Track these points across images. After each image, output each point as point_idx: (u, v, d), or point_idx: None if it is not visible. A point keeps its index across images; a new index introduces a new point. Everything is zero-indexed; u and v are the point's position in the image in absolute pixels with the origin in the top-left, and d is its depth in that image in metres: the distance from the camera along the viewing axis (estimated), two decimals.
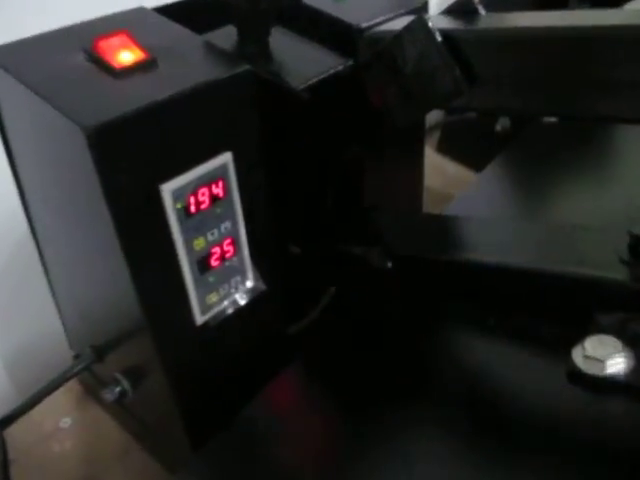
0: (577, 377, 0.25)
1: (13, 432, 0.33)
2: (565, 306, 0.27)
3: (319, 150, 0.28)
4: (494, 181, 0.39)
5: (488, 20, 0.25)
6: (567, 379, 0.25)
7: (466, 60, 0.24)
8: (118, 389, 0.33)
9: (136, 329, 0.28)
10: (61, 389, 0.39)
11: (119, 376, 0.33)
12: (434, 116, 0.61)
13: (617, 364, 0.25)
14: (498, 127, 0.47)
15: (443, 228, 0.32)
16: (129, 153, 0.22)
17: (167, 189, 0.24)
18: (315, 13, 0.29)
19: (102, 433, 0.38)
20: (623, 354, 0.25)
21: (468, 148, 0.55)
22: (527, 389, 0.27)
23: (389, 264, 0.28)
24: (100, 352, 0.34)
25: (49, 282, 0.36)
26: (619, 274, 0.25)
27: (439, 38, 0.24)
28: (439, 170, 0.55)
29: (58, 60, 0.24)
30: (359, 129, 0.27)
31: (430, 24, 0.24)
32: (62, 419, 0.40)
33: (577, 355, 0.25)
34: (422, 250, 0.30)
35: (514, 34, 0.24)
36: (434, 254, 0.29)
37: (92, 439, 0.38)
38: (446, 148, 0.60)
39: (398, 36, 0.25)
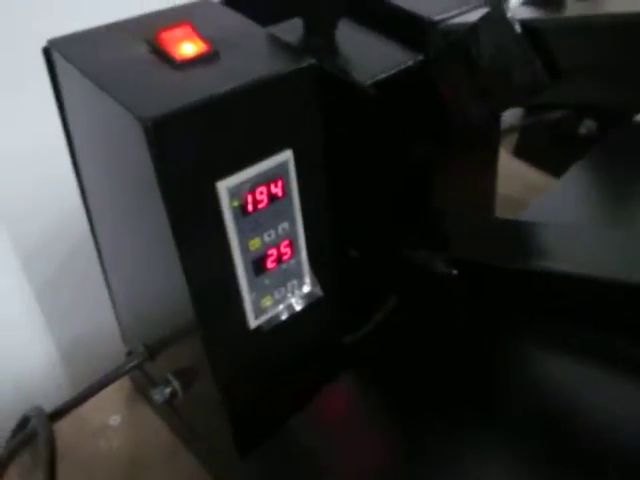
0: None
1: (62, 427, 0.33)
2: None
3: (385, 150, 0.27)
4: (574, 187, 0.36)
5: (574, 8, 0.23)
6: None
7: (549, 52, 0.22)
8: (168, 390, 0.32)
9: (188, 329, 0.27)
10: (112, 386, 0.40)
11: (170, 377, 0.32)
12: (511, 117, 0.58)
13: None
14: (582, 129, 0.44)
15: (515, 234, 0.29)
16: (187, 148, 0.21)
17: (223, 186, 0.23)
18: (384, 5, 0.27)
19: (150, 433, 0.38)
20: None
21: (548, 152, 0.52)
22: (605, 410, 0.24)
23: (454, 271, 0.26)
24: (152, 351, 0.34)
25: (106, 279, 0.36)
26: None
27: (518, 29, 0.22)
28: (516, 176, 0.52)
29: (121, 51, 0.24)
30: (428, 128, 0.26)
31: (509, 14, 0.22)
32: (111, 416, 0.40)
33: None
34: (491, 256, 0.28)
35: (603, 21, 0.22)
36: (504, 261, 0.27)
37: (140, 439, 0.38)
38: (524, 152, 0.57)
39: (474, 27, 0.23)
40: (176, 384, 0.32)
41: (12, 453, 0.36)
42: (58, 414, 0.35)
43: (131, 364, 0.35)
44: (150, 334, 0.34)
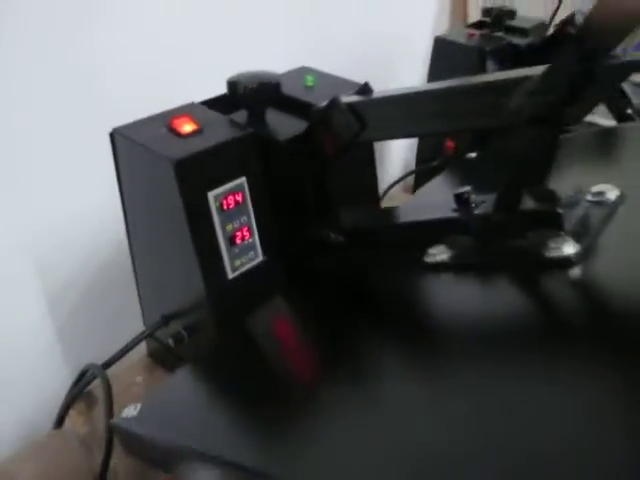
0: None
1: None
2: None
3: (297, 175, 0.49)
4: (435, 191, 0.57)
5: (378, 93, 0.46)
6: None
7: (361, 115, 0.44)
8: (179, 337, 0.52)
9: (194, 288, 0.47)
10: (135, 358, 0.59)
11: (181, 330, 0.52)
12: (408, 167, 0.83)
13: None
14: None
15: (381, 212, 0.51)
16: (191, 174, 0.43)
17: (211, 195, 0.44)
18: (290, 98, 0.51)
19: None
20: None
21: None
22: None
23: (341, 238, 0.47)
24: (167, 318, 0.54)
25: (136, 279, 0.56)
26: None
27: (344, 104, 0.44)
28: None
29: (152, 131, 0.46)
30: (316, 163, 0.48)
31: (341, 99, 0.45)
32: (136, 377, 0.59)
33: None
34: (363, 224, 0.50)
35: (390, 98, 0.45)
36: (370, 224, 0.49)
37: None
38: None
39: (326, 107, 0.46)
40: (184, 333, 0.52)
41: (74, 397, 0.54)
42: (105, 365, 0.53)
43: (154, 327, 0.54)
44: (166, 306, 0.53)
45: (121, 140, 0.46)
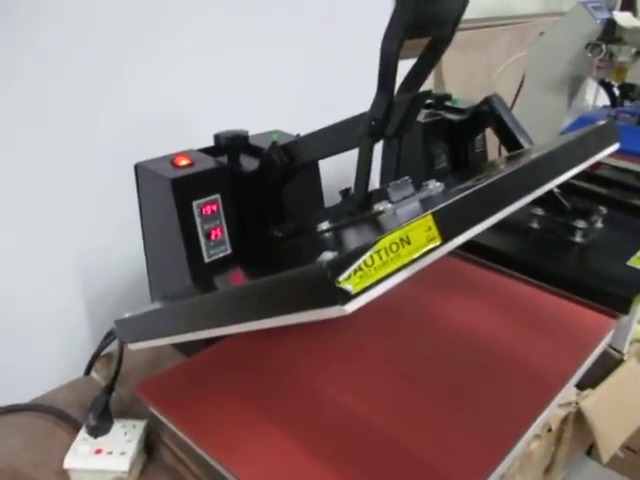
0: None
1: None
2: None
3: (259, 196, 0.73)
4: None
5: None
6: None
7: (289, 152, 0.68)
8: None
9: (182, 269, 0.70)
10: None
11: None
12: None
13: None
14: None
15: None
16: (183, 189, 0.67)
17: (195, 204, 0.68)
18: (256, 146, 0.76)
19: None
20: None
21: None
22: None
23: (280, 234, 0.70)
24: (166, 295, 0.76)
25: (147, 268, 0.79)
26: None
27: (279, 147, 0.69)
28: None
29: (161, 163, 0.71)
30: (269, 186, 0.72)
31: (277, 144, 0.69)
32: None
33: None
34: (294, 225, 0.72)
35: (305, 136, 0.69)
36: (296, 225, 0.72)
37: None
38: None
39: (269, 148, 0.70)
40: None
41: (100, 349, 0.77)
42: None
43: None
44: (164, 286, 0.76)
45: (141, 170, 0.72)
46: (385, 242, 0.36)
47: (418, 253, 0.38)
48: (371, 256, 0.34)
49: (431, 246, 0.39)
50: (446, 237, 0.40)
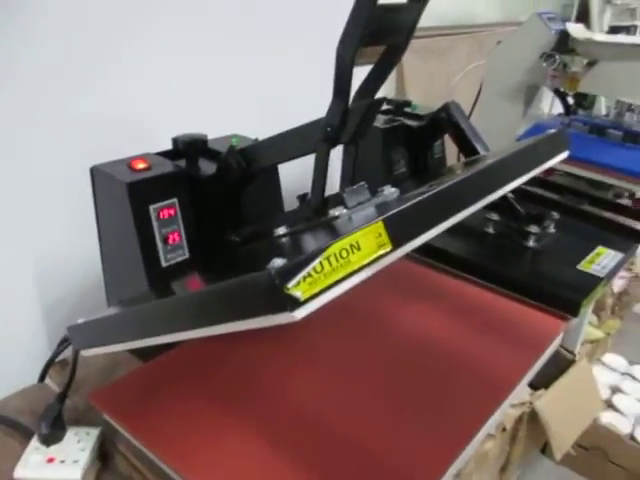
0: None
1: None
2: None
3: (217, 200, 0.72)
4: None
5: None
6: None
7: (247, 155, 0.68)
8: None
9: (138, 273, 0.69)
10: None
11: None
12: None
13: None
14: None
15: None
16: (139, 192, 0.66)
17: (152, 208, 0.67)
18: (214, 150, 0.75)
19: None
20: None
21: None
22: None
23: (237, 239, 0.70)
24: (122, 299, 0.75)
25: (104, 273, 0.78)
26: None
27: (236, 150, 0.68)
28: None
29: (118, 167, 0.70)
30: (234, 191, 0.72)
31: (235, 148, 0.69)
32: None
33: None
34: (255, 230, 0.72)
35: (262, 141, 0.69)
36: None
37: None
38: None
39: (226, 152, 0.70)
40: None
41: (54, 356, 0.75)
42: None
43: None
44: (120, 290, 0.75)
45: (98, 173, 0.70)
46: (335, 248, 0.36)
47: (368, 259, 0.38)
48: (320, 262, 0.35)
49: (381, 252, 0.39)
50: (397, 243, 0.41)
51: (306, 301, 0.34)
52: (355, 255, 0.37)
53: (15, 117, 0.77)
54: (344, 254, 0.37)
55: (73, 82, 0.81)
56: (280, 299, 0.33)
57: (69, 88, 0.81)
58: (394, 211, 0.41)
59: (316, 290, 0.34)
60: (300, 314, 0.34)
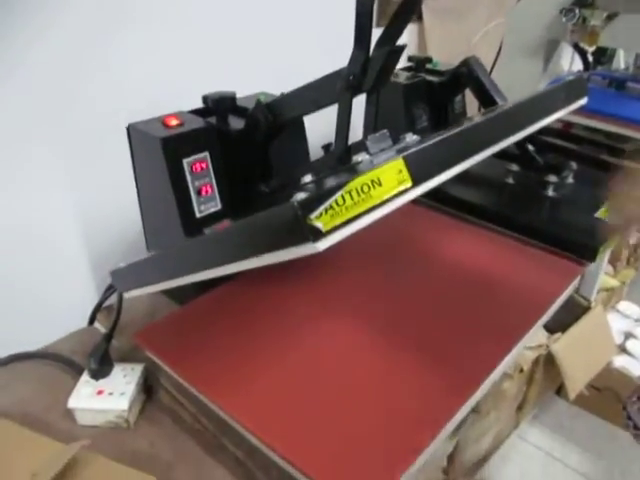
0: None
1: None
2: None
3: (247, 154, 0.71)
4: None
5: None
6: None
7: (273, 109, 0.66)
8: None
9: (175, 223, 0.69)
10: None
11: None
12: None
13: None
14: None
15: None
16: (172, 147, 0.65)
17: (185, 161, 0.66)
18: (242, 107, 0.73)
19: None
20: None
21: None
22: None
23: (267, 189, 0.69)
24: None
25: (143, 225, 0.78)
26: None
27: (263, 104, 0.66)
28: None
29: (152, 124, 0.69)
30: (256, 143, 0.70)
31: (262, 102, 0.67)
32: None
33: None
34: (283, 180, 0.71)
35: (288, 94, 0.67)
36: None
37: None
38: None
39: (254, 107, 0.68)
40: None
41: (102, 301, 0.76)
42: None
43: None
44: (159, 240, 0.75)
45: (134, 130, 0.70)
46: (356, 183, 0.35)
47: (389, 194, 0.37)
48: (342, 196, 0.33)
49: (402, 188, 0.38)
50: (417, 180, 0.39)
51: (328, 232, 0.33)
52: (376, 190, 0.36)
53: (56, 83, 0.76)
54: (365, 189, 0.35)
55: (114, 48, 0.80)
56: (303, 230, 0.32)
57: (109, 53, 0.80)
58: (414, 149, 0.39)
59: (338, 222, 0.33)
60: (323, 245, 0.33)
